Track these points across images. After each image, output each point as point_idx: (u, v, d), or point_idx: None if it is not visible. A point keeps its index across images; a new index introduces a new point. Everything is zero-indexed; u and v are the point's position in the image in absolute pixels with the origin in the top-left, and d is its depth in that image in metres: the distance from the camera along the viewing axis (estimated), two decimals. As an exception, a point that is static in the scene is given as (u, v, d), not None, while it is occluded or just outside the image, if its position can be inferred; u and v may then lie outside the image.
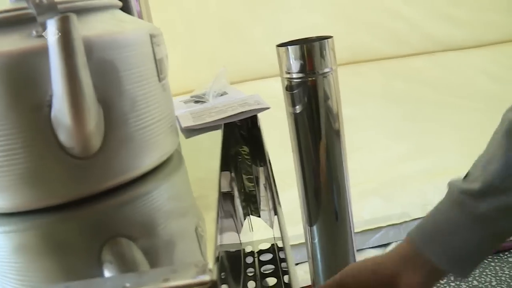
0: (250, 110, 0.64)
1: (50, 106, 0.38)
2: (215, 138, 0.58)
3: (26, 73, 0.38)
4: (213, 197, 0.40)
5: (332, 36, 0.88)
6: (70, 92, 0.35)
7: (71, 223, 0.41)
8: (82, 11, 0.42)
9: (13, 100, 0.38)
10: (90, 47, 0.38)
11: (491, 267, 1.20)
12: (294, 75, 0.88)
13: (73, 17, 0.34)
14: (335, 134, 0.93)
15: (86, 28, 0.40)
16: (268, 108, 0.70)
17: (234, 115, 0.63)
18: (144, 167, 0.44)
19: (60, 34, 0.34)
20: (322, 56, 0.88)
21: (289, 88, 0.91)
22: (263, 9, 1.63)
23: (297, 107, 0.89)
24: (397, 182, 1.27)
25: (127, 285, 0.27)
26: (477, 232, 0.52)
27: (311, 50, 0.87)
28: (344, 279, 0.59)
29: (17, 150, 0.39)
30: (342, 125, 0.94)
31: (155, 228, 0.38)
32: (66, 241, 0.39)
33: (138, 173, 0.43)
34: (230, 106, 0.67)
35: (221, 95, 0.81)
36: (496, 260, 1.20)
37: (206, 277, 0.28)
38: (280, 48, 0.89)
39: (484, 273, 1.19)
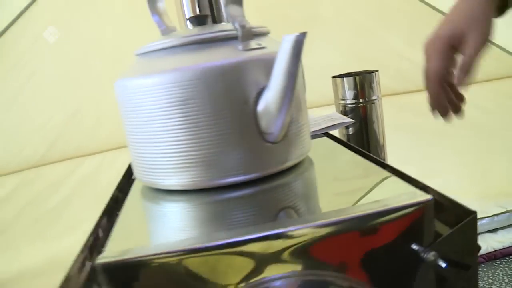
0: (339, 123, 0.81)
1: (255, 101, 0.54)
2: (322, 143, 0.75)
3: (238, 77, 0.54)
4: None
5: (377, 70, 1.07)
6: (288, 88, 0.52)
7: (265, 194, 0.56)
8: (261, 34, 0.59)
9: (228, 96, 0.53)
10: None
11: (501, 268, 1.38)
12: (348, 102, 1.07)
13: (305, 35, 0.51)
14: (381, 150, 1.12)
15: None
16: (352, 121, 0.88)
17: (329, 126, 0.80)
18: (301, 156, 0.61)
19: (296, 44, 0.50)
20: (371, 86, 1.07)
21: (343, 112, 1.09)
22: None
23: (350, 128, 1.07)
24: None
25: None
26: None
27: (363, 81, 1.06)
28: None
29: (228, 134, 0.54)
30: (385, 142, 1.13)
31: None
32: (273, 200, 0.54)
33: (297, 161, 0.60)
34: (321, 121, 0.84)
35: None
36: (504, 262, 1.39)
37: (427, 196, 0.44)
38: (336, 79, 1.08)
39: (497, 273, 1.37)
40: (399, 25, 1.79)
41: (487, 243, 1.47)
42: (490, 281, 1.31)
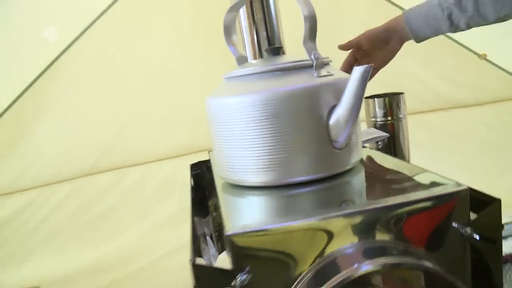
0: (377, 136, 0.97)
1: (328, 116, 0.70)
2: (365, 152, 0.90)
3: (314, 98, 0.70)
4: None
5: (404, 92, 1.23)
6: (355, 107, 0.68)
7: (326, 192, 0.72)
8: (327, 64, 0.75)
9: (306, 113, 0.69)
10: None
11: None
12: (378, 119, 1.22)
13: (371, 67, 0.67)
14: (407, 162, 1.26)
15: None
16: (387, 135, 1.03)
17: (370, 139, 0.96)
18: (357, 161, 0.76)
19: (363, 74, 0.66)
20: (398, 105, 1.22)
21: (374, 128, 1.23)
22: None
23: (380, 143, 1.22)
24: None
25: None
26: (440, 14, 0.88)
27: (392, 101, 1.21)
28: (360, 40, 0.96)
29: (306, 141, 0.70)
30: (410, 156, 1.28)
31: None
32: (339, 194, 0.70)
33: (355, 164, 0.76)
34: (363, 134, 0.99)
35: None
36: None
37: (464, 186, 0.59)
38: (369, 99, 1.24)
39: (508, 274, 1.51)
40: (414, 50, 1.96)
41: (497, 249, 1.62)
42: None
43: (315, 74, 0.72)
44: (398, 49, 0.98)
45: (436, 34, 0.92)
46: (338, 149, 0.72)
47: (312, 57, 0.72)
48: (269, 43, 0.87)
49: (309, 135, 0.70)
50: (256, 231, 0.57)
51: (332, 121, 0.70)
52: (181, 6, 1.75)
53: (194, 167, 1.20)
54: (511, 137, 2.00)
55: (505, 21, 0.85)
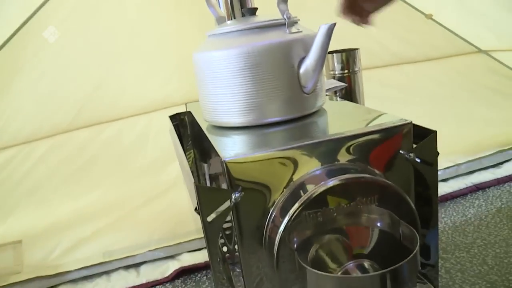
0: (337, 85, 1.12)
1: (299, 66, 0.84)
2: (327, 99, 1.05)
3: (287, 51, 0.83)
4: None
5: (359, 48, 1.38)
6: (321, 59, 0.82)
7: (298, 129, 0.87)
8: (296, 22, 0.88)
9: (280, 63, 0.83)
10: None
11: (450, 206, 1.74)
12: (337, 72, 1.37)
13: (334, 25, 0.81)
14: (363, 106, 1.41)
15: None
16: (345, 85, 1.18)
17: (331, 88, 1.11)
18: (322, 105, 0.91)
19: (328, 30, 0.81)
20: (354, 60, 1.38)
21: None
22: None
23: (338, 93, 1.37)
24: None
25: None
26: None
27: (348, 56, 1.37)
28: None
29: (280, 87, 0.83)
30: (365, 105, 1.44)
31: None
32: (309, 130, 0.85)
33: (320, 107, 0.91)
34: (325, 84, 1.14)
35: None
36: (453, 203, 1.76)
37: (409, 120, 0.76)
38: (328, 54, 1.38)
39: (448, 210, 1.73)
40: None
41: (441, 189, 1.82)
42: (443, 215, 1.66)
43: (287, 31, 0.86)
44: None
45: None
46: (307, 93, 0.87)
47: (285, 16, 0.86)
48: (242, 5, 0.99)
49: (283, 82, 0.84)
50: (246, 157, 0.71)
51: (302, 70, 0.84)
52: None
53: (173, 118, 1.32)
54: (454, 90, 2.21)
55: None
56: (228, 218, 0.73)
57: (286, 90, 0.85)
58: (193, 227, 1.73)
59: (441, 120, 2.22)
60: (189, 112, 1.22)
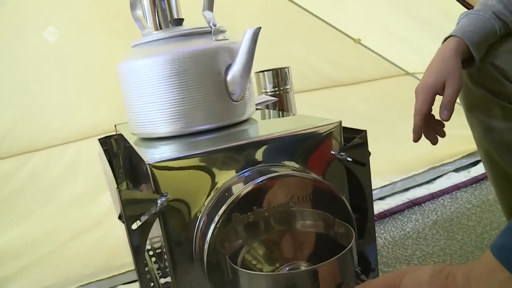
0: (268, 100, 1.12)
1: (226, 73, 0.82)
2: (258, 112, 1.04)
3: (213, 57, 0.81)
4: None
5: (289, 66, 1.39)
6: (248, 64, 0.81)
7: (226, 136, 0.85)
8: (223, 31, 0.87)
9: (207, 70, 0.81)
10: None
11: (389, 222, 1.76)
12: (268, 91, 1.37)
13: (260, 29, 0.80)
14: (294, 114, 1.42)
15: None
16: (276, 99, 1.18)
17: (262, 102, 1.10)
18: (251, 114, 0.91)
19: (254, 34, 0.80)
20: (284, 78, 1.39)
21: (266, 98, 1.38)
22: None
23: (272, 109, 1.37)
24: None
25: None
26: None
27: (278, 74, 1.37)
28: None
29: (208, 94, 0.81)
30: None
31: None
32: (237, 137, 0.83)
33: (249, 116, 0.90)
34: (257, 99, 1.14)
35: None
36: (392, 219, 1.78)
37: (337, 120, 0.76)
38: (259, 73, 1.39)
39: (387, 226, 1.75)
40: (299, 36, 2.17)
41: (379, 206, 1.86)
42: (382, 231, 1.68)
43: (213, 38, 0.84)
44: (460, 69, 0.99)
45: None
46: (235, 101, 0.85)
47: (211, 24, 0.84)
48: (168, 17, 0.98)
49: (210, 89, 0.82)
50: (171, 161, 0.68)
51: (229, 76, 0.83)
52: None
53: (103, 143, 1.27)
54: (385, 110, 2.27)
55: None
56: (158, 234, 0.70)
57: (214, 97, 0.83)
58: (128, 258, 1.65)
59: (373, 140, 2.24)
60: (120, 135, 1.17)
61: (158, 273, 1.20)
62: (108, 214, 1.79)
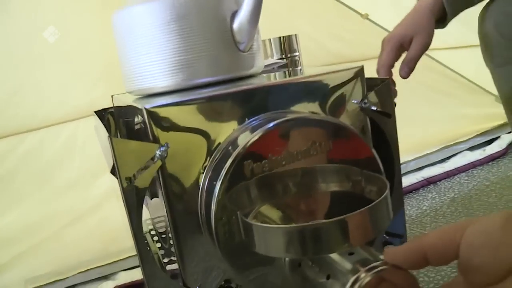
0: (277, 62, 1.03)
1: (232, 20, 0.73)
2: None
3: (218, 1, 0.72)
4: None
5: (297, 34, 1.30)
6: (256, 10, 0.71)
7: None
8: None
9: (211, 15, 0.72)
10: None
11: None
12: (275, 59, 1.28)
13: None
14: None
15: None
16: (285, 62, 1.09)
17: (271, 64, 1.02)
18: (259, 69, 0.81)
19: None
20: (292, 45, 1.29)
21: (274, 66, 1.28)
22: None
23: (279, 79, 1.27)
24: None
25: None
26: None
27: (285, 41, 1.28)
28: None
29: (212, 42, 0.72)
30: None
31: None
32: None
33: (257, 71, 0.81)
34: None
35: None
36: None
37: (360, 65, 0.66)
38: (265, 40, 1.30)
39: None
40: (304, 12, 2.08)
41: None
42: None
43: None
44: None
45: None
46: (242, 51, 0.76)
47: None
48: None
49: (215, 37, 0.72)
50: (171, 104, 0.60)
51: (235, 24, 0.73)
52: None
53: (100, 116, 1.18)
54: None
55: None
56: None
57: (219, 45, 0.73)
58: (128, 244, 1.57)
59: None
60: (117, 107, 1.08)
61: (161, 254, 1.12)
62: (107, 197, 1.71)
